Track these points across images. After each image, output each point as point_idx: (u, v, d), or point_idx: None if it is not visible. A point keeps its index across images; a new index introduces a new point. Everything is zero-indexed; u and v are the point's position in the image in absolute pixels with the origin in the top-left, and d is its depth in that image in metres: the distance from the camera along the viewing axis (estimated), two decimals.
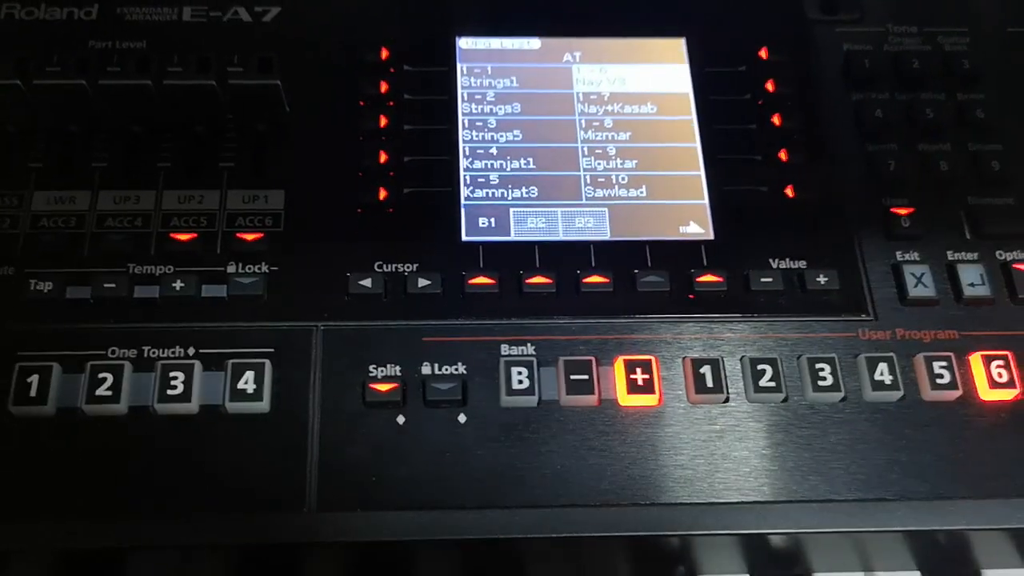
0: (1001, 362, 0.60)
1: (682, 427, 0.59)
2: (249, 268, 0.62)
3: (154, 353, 0.59)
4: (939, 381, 0.60)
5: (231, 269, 0.62)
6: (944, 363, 0.60)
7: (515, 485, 0.57)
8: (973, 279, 0.63)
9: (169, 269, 0.62)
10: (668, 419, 0.59)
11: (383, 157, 0.66)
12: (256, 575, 0.61)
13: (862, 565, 0.62)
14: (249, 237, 0.63)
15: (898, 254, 0.65)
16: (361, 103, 0.69)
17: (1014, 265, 0.64)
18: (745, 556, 0.61)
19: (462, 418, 0.58)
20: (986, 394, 0.60)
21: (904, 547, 0.60)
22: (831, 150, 0.70)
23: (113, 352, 0.59)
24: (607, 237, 0.66)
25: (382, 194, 0.65)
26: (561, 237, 0.65)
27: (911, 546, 0.60)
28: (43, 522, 0.55)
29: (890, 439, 0.59)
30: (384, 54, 0.70)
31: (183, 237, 0.62)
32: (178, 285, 0.61)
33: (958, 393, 0.60)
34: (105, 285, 0.61)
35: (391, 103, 0.69)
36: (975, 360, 0.61)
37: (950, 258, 0.65)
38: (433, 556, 0.59)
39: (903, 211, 0.66)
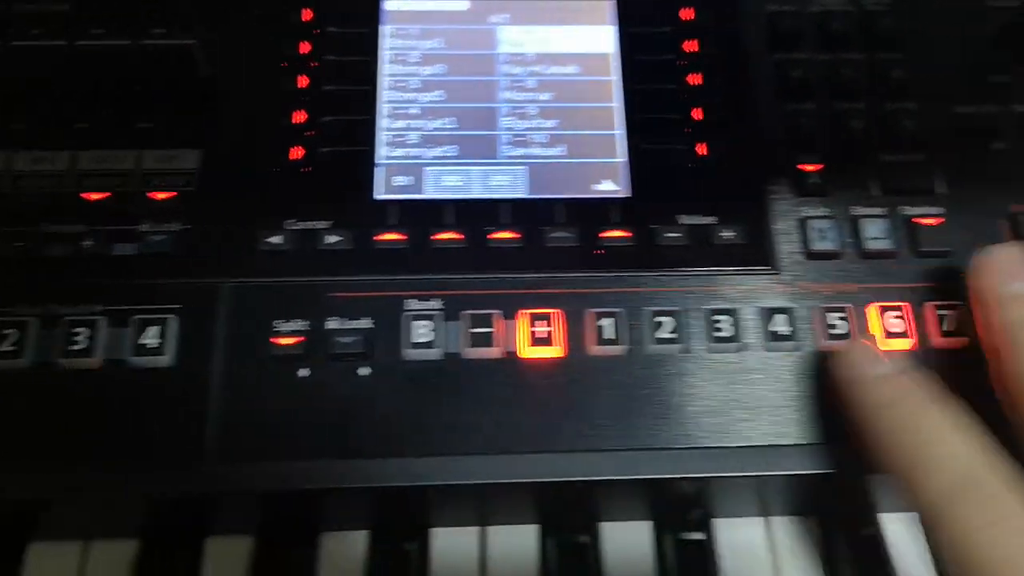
0: (897, 313, 0.61)
1: (584, 378, 0.60)
2: (161, 227, 0.62)
3: (61, 310, 0.59)
4: (834, 331, 0.61)
5: (143, 228, 0.62)
6: (841, 314, 0.61)
7: (417, 434, 0.58)
8: (876, 233, 0.64)
9: (81, 228, 0.62)
10: (570, 370, 0.60)
11: (300, 117, 0.67)
12: (168, 531, 0.61)
13: (760, 510, 0.63)
14: (161, 196, 0.63)
15: (805, 209, 0.66)
16: (283, 64, 0.69)
17: (917, 219, 0.64)
18: (650, 502, 0.61)
19: (365, 371, 0.59)
20: (883, 344, 0.61)
21: (804, 490, 0.61)
22: (749, 109, 0.70)
23: (20, 309, 0.60)
24: (523, 195, 0.66)
25: (298, 153, 0.66)
26: (476, 195, 0.66)
27: (809, 490, 0.60)
28: None
29: (784, 387, 0.60)
30: (307, 15, 0.71)
31: (96, 196, 0.63)
32: (87, 244, 0.61)
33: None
34: (14, 244, 0.61)
35: (313, 64, 0.69)
36: (872, 311, 0.62)
37: (855, 213, 0.65)
38: (338, 505, 0.60)
39: (812, 167, 0.67)
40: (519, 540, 0.63)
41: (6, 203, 0.63)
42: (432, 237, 0.63)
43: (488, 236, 0.64)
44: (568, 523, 0.63)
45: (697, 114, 0.69)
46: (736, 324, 0.61)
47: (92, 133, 0.66)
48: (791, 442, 0.59)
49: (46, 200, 0.63)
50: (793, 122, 0.69)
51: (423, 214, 0.65)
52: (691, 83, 0.70)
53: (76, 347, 0.58)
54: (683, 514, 0.63)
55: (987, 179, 0.68)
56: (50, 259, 0.62)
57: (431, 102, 0.70)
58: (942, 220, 0.65)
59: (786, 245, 0.65)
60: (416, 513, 0.62)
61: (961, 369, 0.61)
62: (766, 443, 0.59)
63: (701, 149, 0.68)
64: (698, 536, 0.63)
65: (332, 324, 0.60)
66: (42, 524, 0.60)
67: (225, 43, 0.69)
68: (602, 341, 0.61)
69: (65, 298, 0.60)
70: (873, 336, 0.62)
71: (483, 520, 0.63)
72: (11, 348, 0.58)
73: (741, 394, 0.60)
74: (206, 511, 0.60)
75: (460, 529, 0.63)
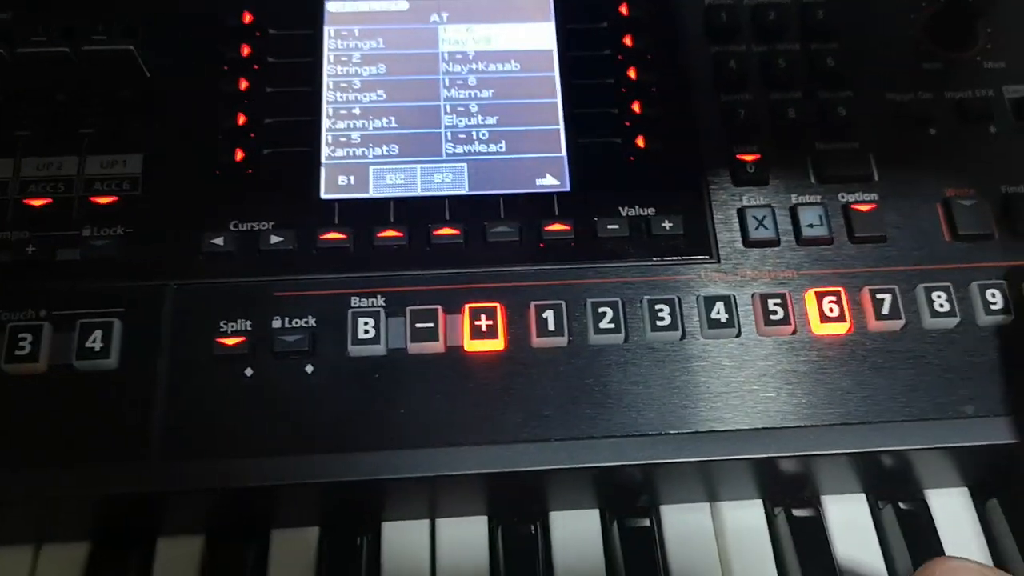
0: (833, 298, 0.62)
1: (527, 369, 0.60)
2: (104, 231, 0.63)
3: (4, 316, 0.60)
4: (773, 317, 0.62)
5: (86, 232, 0.63)
6: (778, 300, 0.62)
7: (362, 429, 0.59)
8: (812, 220, 0.65)
9: (24, 234, 0.62)
10: (512, 362, 0.61)
11: (241, 119, 0.67)
12: (118, 533, 0.62)
13: (707, 496, 0.64)
14: (103, 200, 0.64)
15: (744, 198, 0.67)
16: (224, 67, 0.70)
17: (853, 206, 0.66)
18: (596, 490, 0.62)
19: (309, 368, 0.60)
20: (818, 328, 0.62)
21: (750, 475, 0.61)
22: (687, 102, 0.71)
23: None
24: (464, 192, 0.67)
25: (239, 155, 0.66)
26: (419, 193, 0.66)
27: (756, 474, 0.61)
28: None
29: (726, 374, 0.61)
30: (247, 18, 0.71)
31: (38, 203, 0.63)
32: (30, 249, 0.61)
33: (791, 328, 0.62)
34: None
35: (256, 66, 0.70)
36: (809, 297, 0.63)
37: (793, 201, 0.66)
38: (287, 501, 0.60)
39: (750, 157, 0.68)
40: (469, 532, 0.63)
41: None
42: (377, 235, 0.63)
43: (432, 233, 0.64)
44: (517, 513, 0.64)
45: (636, 107, 0.70)
46: (676, 313, 0.62)
47: (34, 140, 0.66)
48: (732, 428, 0.60)
49: None
50: (731, 113, 0.70)
51: (367, 213, 0.66)
52: (630, 77, 0.71)
53: (21, 352, 0.58)
54: (629, 501, 0.64)
55: (921, 165, 0.69)
56: None
57: (372, 102, 0.71)
58: (876, 206, 0.66)
59: (725, 234, 0.66)
60: (366, 508, 0.63)
61: (896, 352, 0.62)
62: (707, 429, 0.60)
63: (640, 142, 0.69)
64: (644, 523, 0.63)
65: (276, 323, 0.61)
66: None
67: (165, 47, 0.69)
68: (544, 333, 0.61)
69: (9, 304, 0.61)
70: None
71: (433, 513, 0.64)
72: None
73: (682, 382, 0.61)
74: (155, 510, 0.60)
75: (410, 523, 0.63)
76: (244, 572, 0.61)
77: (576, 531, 0.64)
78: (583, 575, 0.62)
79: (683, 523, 0.65)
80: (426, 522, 0.64)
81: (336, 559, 0.62)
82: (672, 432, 0.60)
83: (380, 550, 0.63)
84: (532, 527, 0.63)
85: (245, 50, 0.70)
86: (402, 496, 0.61)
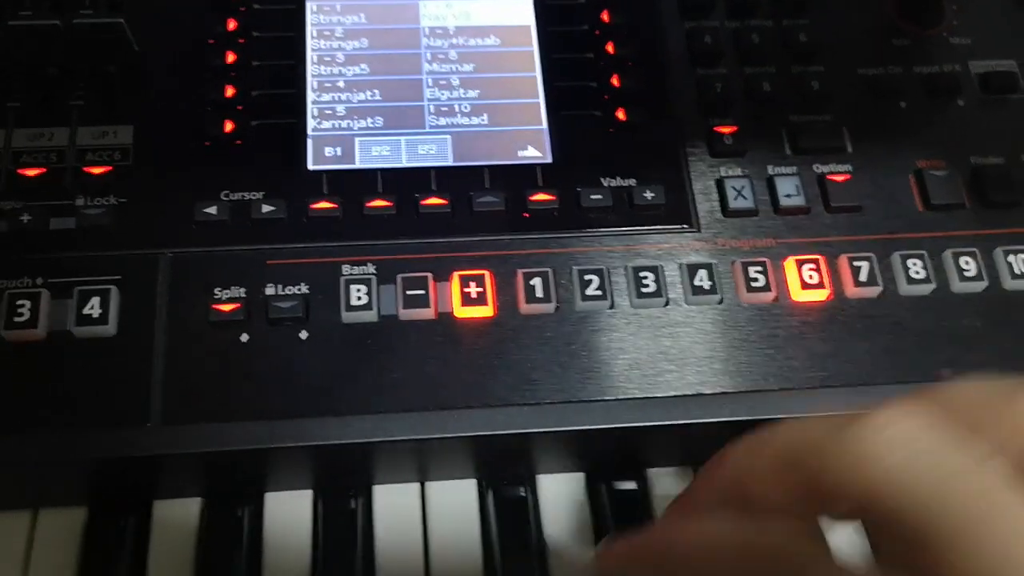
0: (812, 265, 0.64)
1: (516, 335, 0.62)
2: (97, 201, 0.64)
3: (2, 284, 0.61)
4: (754, 284, 0.64)
5: (79, 202, 0.64)
6: (759, 268, 0.64)
7: (356, 394, 0.60)
8: (789, 190, 0.67)
9: (18, 204, 0.63)
10: (502, 328, 0.62)
11: (230, 91, 0.69)
12: (116, 497, 0.63)
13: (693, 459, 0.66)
14: (97, 171, 0.65)
15: (722, 170, 0.69)
16: (211, 40, 0.71)
17: (828, 176, 0.68)
18: (580, 454, 0.64)
19: (304, 334, 0.61)
20: (798, 295, 0.64)
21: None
22: (663, 76, 0.73)
23: None
24: (449, 163, 0.68)
25: (229, 126, 0.67)
26: (404, 164, 0.68)
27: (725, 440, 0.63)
28: None
29: (710, 339, 0.62)
30: None
31: (31, 172, 0.64)
32: (25, 218, 0.62)
33: (772, 295, 0.64)
34: None
35: (241, 40, 0.71)
36: (789, 264, 0.65)
37: (770, 172, 0.68)
38: (281, 464, 0.61)
39: (727, 129, 0.70)
40: (459, 494, 0.65)
41: None
42: (366, 205, 0.65)
43: (420, 203, 0.65)
44: (506, 476, 0.65)
45: (615, 81, 0.72)
46: (660, 280, 0.64)
47: (24, 111, 0.67)
48: (718, 391, 0.62)
49: None
50: (707, 87, 0.72)
51: (354, 183, 0.67)
52: (608, 51, 0.73)
53: (20, 319, 0.59)
54: (616, 464, 0.66)
55: (893, 137, 0.71)
56: None
57: (355, 75, 0.72)
58: (851, 177, 0.68)
59: (705, 204, 0.68)
60: (359, 470, 0.64)
61: (874, 318, 0.64)
62: (694, 392, 0.61)
63: (620, 115, 0.70)
64: (630, 486, 0.65)
65: (270, 290, 0.62)
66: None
67: (152, 21, 0.70)
68: (532, 299, 0.63)
69: (5, 272, 0.61)
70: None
71: (424, 476, 0.65)
72: None
73: (666, 346, 0.63)
74: (154, 474, 0.61)
75: (402, 486, 0.65)
76: (240, 533, 0.61)
77: (563, 493, 0.65)
78: (571, 535, 0.63)
79: (672, 486, 0.66)
80: (416, 485, 0.65)
81: (331, 520, 0.63)
82: (659, 396, 0.61)
83: (372, 512, 0.63)
84: (522, 489, 0.64)
85: (231, 24, 0.71)
86: (394, 459, 0.63)
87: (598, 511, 0.66)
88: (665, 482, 0.66)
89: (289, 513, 0.63)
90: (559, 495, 0.65)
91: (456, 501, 0.65)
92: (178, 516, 0.62)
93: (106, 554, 0.61)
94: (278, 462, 0.61)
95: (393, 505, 0.64)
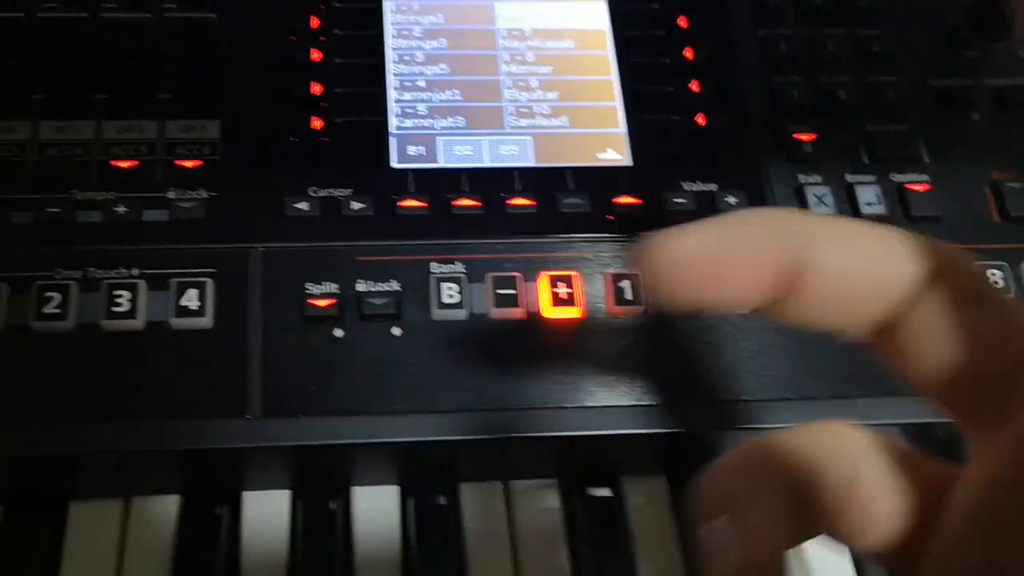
0: None
1: (603, 336, 0.63)
2: (189, 194, 0.64)
3: (99, 274, 0.61)
4: None
5: (171, 195, 0.64)
6: None
7: (447, 391, 0.61)
8: (870, 199, 0.68)
9: (111, 195, 0.64)
10: (589, 329, 0.63)
11: (317, 88, 0.69)
12: (202, 489, 0.63)
13: None
14: (189, 164, 0.65)
15: (800, 177, 0.70)
16: (293, 38, 0.71)
17: (907, 186, 0.68)
18: (660, 454, 0.65)
19: (396, 331, 0.61)
20: None
21: None
22: (739, 81, 0.73)
23: (59, 273, 0.61)
24: (531, 163, 0.69)
25: (316, 123, 0.68)
26: (487, 164, 0.69)
27: None
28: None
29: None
30: None
31: (124, 164, 0.65)
32: (120, 210, 0.63)
33: None
34: (48, 210, 0.62)
35: (322, 37, 0.71)
36: None
37: (849, 180, 0.69)
38: (373, 460, 0.62)
39: (805, 137, 0.70)
40: (542, 495, 0.65)
41: (35, 171, 0.64)
42: (453, 204, 0.65)
43: (506, 202, 0.66)
44: (588, 478, 0.66)
45: (694, 86, 0.72)
46: None
47: (111, 104, 0.67)
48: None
49: (75, 168, 0.64)
50: (783, 94, 0.73)
51: (440, 182, 0.68)
52: (686, 56, 0.74)
53: (118, 309, 0.59)
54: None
55: (967, 148, 0.72)
56: (85, 225, 0.63)
57: (436, 75, 0.73)
58: (930, 187, 0.69)
59: None
60: (443, 469, 0.64)
61: None
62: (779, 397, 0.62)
63: (700, 119, 0.71)
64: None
65: (361, 287, 0.62)
66: (86, 483, 0.62)
67: (235, 16, 0.70)
68: (621, 302, 0.63)
69: (103, 262, 0.62)
70: None
71: (505, 475, 0.66)
72: (55, 311, 0.59)
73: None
74: (247, 466, 0.62)
75: (487, 484, 0.65)
76: (334, 526, 0.62)
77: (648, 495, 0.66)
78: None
79: None
80: (501, 485, 0.66)
81: (423, 518, 0.63)
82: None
83: (460, 511, 0.64)
84: (604, 490, 0.65)
85: (314, 21, 0.72)
86: (482, 457, 0.63)
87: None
88: None
89: (377, 509, 0.63)
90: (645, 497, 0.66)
91: (539, 502, 0.65)
92: (267, 508, 0.63)
93: (202, 542, 0.61)
94: (369, 458, 0.62)
95: (478, 503, 0.64)
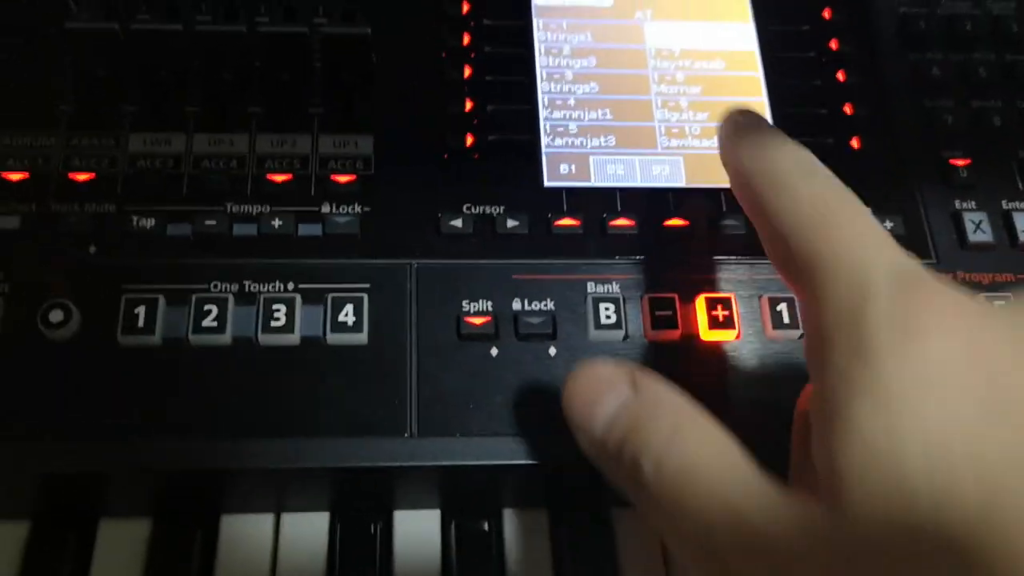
0: None
1: (760, 360, 0.61)
2: (343, 208, 0.64)
3: (255, 287, 0.61)
4: None
5: (325, 209, 0.64)
6: (1002, 303, 0.63)
7: None
8: None
9: (266, 208, 0.64)
10: (746, 352, 0.62)
11: (469, 105, 0.69)
12: (351, 506, 0.63)
13: None
14: (343, 179, 0.65)
15: (956, 202, 0.68)
16: (443, 54, 0.71)
17: None
18: None
19: (552, 351, 0.61)
20: None
21: None
22: (891, 105, 0.72)
23: (216, 286, 0.61)
24: (683, 184, 0.68)
25: (468, 140, 0.67)
26: (639, 183, 0.68)
27: None
28: (154, 441, 0.58)
29: None
30: (465, 7, 0.73)
31: (279, 178, 0.65)
32: (276, 223, 0.63)
33: None
34: (206, 223, 0.63)
35: (472, 54, 0.71)
36: None
37: (1005, 207, 0.68)
38: (523, 481, 0.61)
39: (961, 162, 0.69)
40: None
41: (190, 183, 0.64)
42: (608, 223, 0.65)
43: (662, 223, 0.65)
44: None
45: (848, 109, 0.71)
46: None
47: (264, 117, 0.67)
48: None
49: (229, 181, 0.64)
50: (936, 119, 0.72)
51: (593, 201, 0.67)
52: (838, 80, 0.72)
53: (276, 324, 0.59)
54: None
55: None
56: (241, 239, 0.63)
57: (585, 94, 0.72)
58: None
59: (943, 237, 0.67)
60: (593, 492, 0.64)
61: None
62: None
63: (854, 143, 0.70)
64: None
65: (517, 305, 0.62)
66: (251, 495, 0.62)
67: (386, 31, 0.70)
68: (779, 325, 0.62)
69: (258, 276, 0.61)
70: None
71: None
72: (212, 324, 0.59)
73: None
74: (398, 484, 0.61)
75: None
76: (490, 547, 0.61)
77: None
78: None
79: None
80: None
81: (576, 541, 0.63)
82: None
83: (614, 535, 0.63)
84: None
85: (466, 38, 0.71)
86: None
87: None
88: None
89: (525, 528, 0.63)
90: None
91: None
92: (418, 526, 0.62)
93: (357, 558, 0.61)
94: (521, 479, 0.61)
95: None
